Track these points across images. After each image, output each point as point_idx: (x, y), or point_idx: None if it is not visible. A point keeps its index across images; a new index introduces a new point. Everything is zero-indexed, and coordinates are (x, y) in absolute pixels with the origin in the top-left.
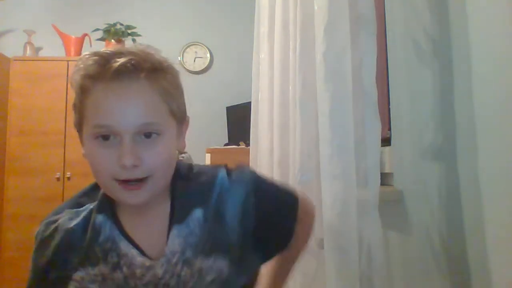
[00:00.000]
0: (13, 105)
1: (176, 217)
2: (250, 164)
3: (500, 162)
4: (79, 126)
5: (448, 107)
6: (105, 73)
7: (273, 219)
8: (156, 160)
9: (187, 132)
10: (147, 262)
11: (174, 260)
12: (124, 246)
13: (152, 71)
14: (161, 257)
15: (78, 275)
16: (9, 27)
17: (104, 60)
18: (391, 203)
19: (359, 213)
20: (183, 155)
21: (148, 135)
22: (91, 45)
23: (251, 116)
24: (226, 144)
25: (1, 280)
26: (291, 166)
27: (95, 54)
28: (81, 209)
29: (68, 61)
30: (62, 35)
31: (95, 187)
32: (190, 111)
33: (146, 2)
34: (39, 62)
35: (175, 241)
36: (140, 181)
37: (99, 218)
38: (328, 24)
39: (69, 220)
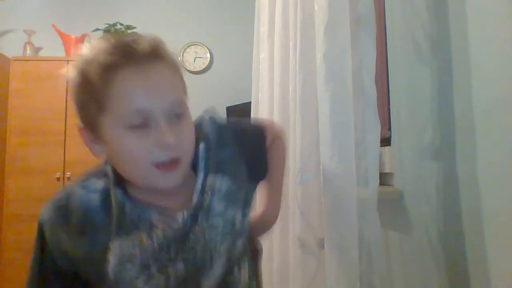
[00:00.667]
0: (13, 105)
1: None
2: None
3: (499, 162)
4: (93, 122)
5: (447, 107)
6: (130, 59)
7: (246, 151)
8: (188, 138)
9: None
10: (180, 210)
11: (196, 196)
12: (151, 210)
13: (167, 54)
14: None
15: (115, 244)
16: (9, 27)
17: (125, 47)
18: (391, 203)
19: (359, 213)
20: None
21: (178, 115)
22: None
23: (251, 116)
24: None
25: (1, 280)
26: (291, 166)
27: (111, 43)
28: (87, 183)
29: (68, 61)
30: (62, 35)
31: (95, 170)
32: (190, 111)
33: (146, 2)
34: (39, 62)
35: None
36: (176, 163)
37: (118, 193)
38: (328, 24)
39: (84, 197)
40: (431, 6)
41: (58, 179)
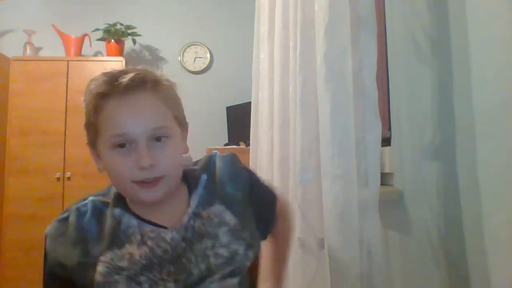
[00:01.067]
0: (13, 105)
1: (191, 189)
2: (251, 164)
3: (499, 162)
4: (94, 142)
5: (448, 107)
6: (115, 89)
7: (257, 205)
8: (168, 160)
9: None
10: (172, 230)
11: (187, 218)
12: (145, 226)
13: (155, 83)
14: (177, 226)
15: (106, 256)
16: (9, 27)
17: (113, 78)
18: (391, 203)
19: (360, 213)
20: (183, 154)
21: (159, 138)
22: (91, 45)
23: (251, 116)
24: (226, 144)
25: (1, 280)
26: (291, 166)
27: (104, 74)
28: (85, 202)
29: (68, 61)
30: (62, 35)
31: (99, 191)
32: (190, 111)
33: (146, 2)
34: (39, 62)
35: (192, 206)
36: (156, 180)
37: (117, 211)
38: (328, 24)
39: (79, 214)
40: (431, 6)
41: (58, 179)
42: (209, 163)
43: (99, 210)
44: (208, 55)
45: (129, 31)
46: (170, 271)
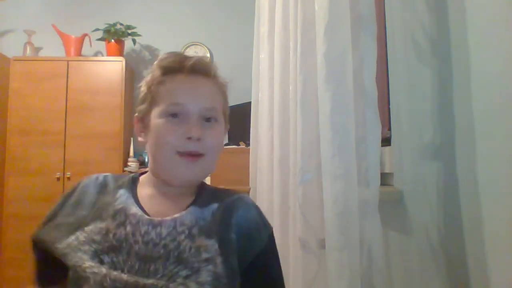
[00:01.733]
0: (13, 105)
1: (197, 203)
2: (250, 164)
3: (499, 162)
4: (144, 114)
5: (447, 107)
6: (183, 67)
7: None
8: (214, 140)
9: None
10: (156, 220)
11: (181, 229)
12: (134, 209)
13: (216, 73)
14: (164, 220)
15: (88, 228)
16: (9, 27)
17: (182, 57)
18: (391, 203)
19: (360, 213)
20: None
21: (208, 119)
22: (91, 45)
23: (251, 116)
24: (226, 144)
25: (1, 280)
26: (291, 166)
27: (174, 53)
28: (103, 174)
29: (68, 61)
30: (62, 35)
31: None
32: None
33: (146, 2)
34: (39, 62)
35: (187, 216)
36: (197, 156)
37: (121, 191)
38: (328, 24)
39: (89, 180)
40: (431, 6)
41: (58, 179)
42: (227, 195)
43: (105, 182)
44: (208, 55)
45: (129, 31)
46: (133, 266)
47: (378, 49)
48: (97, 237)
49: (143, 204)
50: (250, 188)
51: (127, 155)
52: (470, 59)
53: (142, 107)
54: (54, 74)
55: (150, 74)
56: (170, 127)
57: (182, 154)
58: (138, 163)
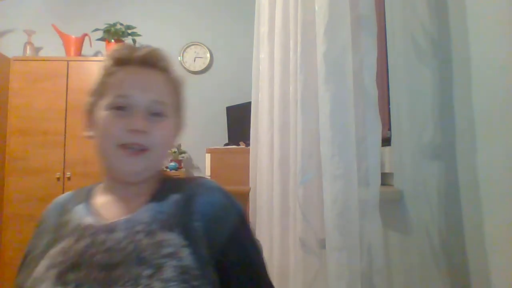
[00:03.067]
0: (13, 105)
1: (156, 198)
2: (250, 164)
3: (499, 162)
4: (92, 107)
5: (448, 107)
6: (132, 58)
7: (233, 269)
8: (159, 135)
9: (187, 132)
10: (110, 225)
11: (138, 228)
12: (89, 219)
13: (167, 65)
14: (117, 222)
15: (51, 251)
16: (9, 27)
17: (132, 49)
18: (391, 203)
19: (360, 213)
20: (183, 155)
21: (155, 114)
22: (91, 45)
23: (251, 116)
24: (226, 144)
25: (1, 280)
26: (291, 166)
27: (125, 45)
28: (64, 194)
29: (68, 61)
30: (62, 35)
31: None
32: (190, 111)
33: (146, 2)
34: (39, 62)
35: (145, 213)
36: (141, 151)
37: (79, 206)
38: (328, 24)
39: (50, 205)
40: (431, 6)
41: (58, 179)
42: (188, 183)
43: (65, 202)
44: (208, 55)
45: (129, 31)
46: (97, 277)
47: (378, 49)
48: (60, 258)
49: (100, 212)
50: (250, 188)
51: None
52: (470, 59)
53: (91, 99)
54: (54, 74)
55: (102, 66)
56: (114, 120)
57: (124, 146)
58: None
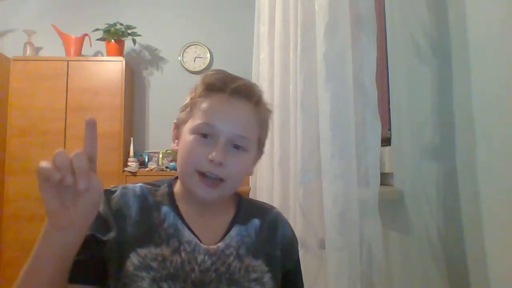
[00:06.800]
0: (13, 105)
1: (239, 219)
2: None
3: (499, 162)
4: (181, 123)
5: (447, 107)
6: (226, 87)
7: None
8: (236, 168)
9: None
10: (211, 249)
11: (229, 251)
12: (187, 234)
13: (259, 100)
14: (218, 247)
15: (142, 251)
16: (9, 27)
17: (228, 78)
18: (391, 203)
19: (360, 213)
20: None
21: (237, 147)
22: (91, 45)
23: None
24: None
25: (1, 280)
26: (292, 166)
27: (223, 72)
28: (135, 185)
29: (68, 61)
30: (62, 35)
31: (157, 182)
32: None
33: (146, 2)
34: (39, 62)
35: (234, 238)
36: (217, 181)
37: (164, 208)
38: (328, 24)
39: (126, 191)
40: (431, 6)
41: None
42: (265, 210)
43: (144, 196)
44: (208, 55)
45: (129, 31)
46: None
47: (378, 49)
48: (154, 264)
49: (191, 226)
50: (250, 188)
51: (127, 155)
52: (470, 59)
53: (181, 115)
54: (54, 74)
55: (194, 86)
56: (196, 145)
57: (201, 174)
58: (138, 163)
